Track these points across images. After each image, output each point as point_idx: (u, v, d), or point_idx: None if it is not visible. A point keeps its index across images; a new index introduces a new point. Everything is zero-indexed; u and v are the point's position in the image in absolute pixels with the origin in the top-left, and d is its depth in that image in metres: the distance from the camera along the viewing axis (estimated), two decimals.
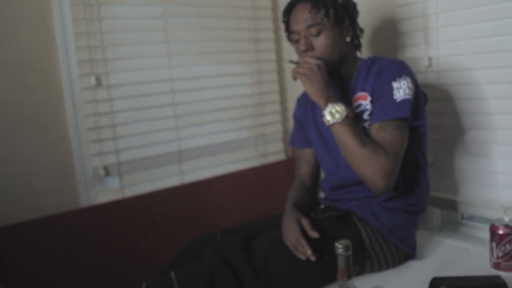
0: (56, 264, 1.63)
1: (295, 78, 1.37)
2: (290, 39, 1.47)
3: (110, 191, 1.81)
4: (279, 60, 2.26)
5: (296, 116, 1.69)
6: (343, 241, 0.92)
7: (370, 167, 1.24)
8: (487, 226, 1.53)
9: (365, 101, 1.39)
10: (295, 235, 1.26)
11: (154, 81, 1.87)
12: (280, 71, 2.27)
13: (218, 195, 2.00)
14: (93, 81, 1.72)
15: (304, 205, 1.49)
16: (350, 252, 0.91)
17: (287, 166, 2.23)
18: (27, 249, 1.60)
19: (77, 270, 1.67)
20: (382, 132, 1.28)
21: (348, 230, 1.34)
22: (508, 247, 1.26)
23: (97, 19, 1.73)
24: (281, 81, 2.28)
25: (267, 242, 1.29)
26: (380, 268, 1.38)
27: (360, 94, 1.40)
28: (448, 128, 1.66)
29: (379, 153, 1.24)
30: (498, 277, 1.14)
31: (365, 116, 1.38)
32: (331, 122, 1.29)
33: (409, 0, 1.67)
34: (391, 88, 1.30)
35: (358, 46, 1.48)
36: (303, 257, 1.25)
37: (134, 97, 1.82)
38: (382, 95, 1.32)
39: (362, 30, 1.50)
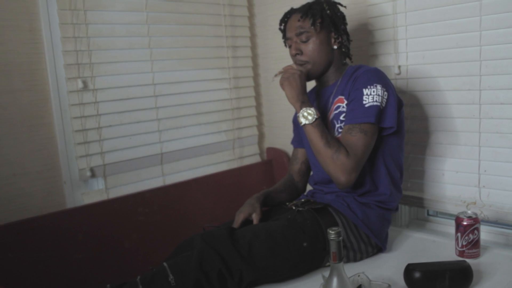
0: (43, 263, 1.65)
1: (281, 84, 1.52)
2: (285, 45, 1.64)
3: (95, 192, 1.85)
4: (254, 67, 2.37)
5: (294, 120, 1.81)
6: (334, 228, 1.02)
7: (332, 164, 1.41)
8: (451, 221, 1.69)
9: (342, 104, 1.53)
10: (236, 226, 1.50)
11: (137, 85, 1.94)
12: (255, 77, 2.38)
13: (199, 195, 2.07)
14: (80, 84, 1.77)
15: (277, 194, 1.68)
16: (341, 238, 1.01)
17: (262, 168, 2.33)
18: (15, 249, 1.62)
19: (65, 269, 1.70)
20: (348, 134, 1.43)
21: (326, 220, 1.46)
22: (471, 236, 1.40)
23: (84, 24, 1.78)
24: (256, 87, 2.38)
25: (250, 231, 1.39)
26: (355, 259, 1.49)
27: (340, 97, 1.54)
28: (415, 131, 1.80)
29: (340, 153, 1.40)
30: (464, 261, 1.28)
31: (341, 117, 1.51)
32: (303, 123, 1.46)
33: (381, 13, 1.81)
34: (362, 94, 1.44)
35: (346, 54, 1.62)
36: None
37: (119, 100, 1.88)
38: (353, 99, 1.47)
39: (349, 40, 1.64)
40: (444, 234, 1.72)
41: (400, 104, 1.53)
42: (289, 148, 2.29)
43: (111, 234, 1.82)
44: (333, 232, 1.00)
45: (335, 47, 1.57)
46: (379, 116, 1.44)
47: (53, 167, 1.78)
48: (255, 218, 1.51)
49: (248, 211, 1.53)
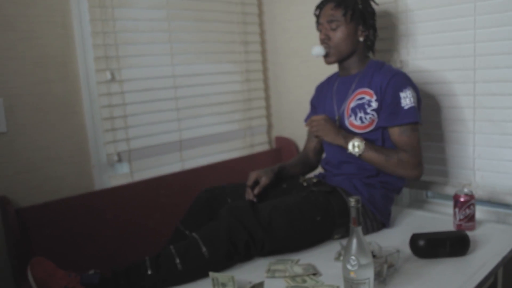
0: (75, 240, 1.80)
1: (317, 136, 1.72)
2: (317, 29, 1.78)
3: (121, 176, 2.00)
4: (264, 61, 2.53)
5: (312, 101, 1.96)
6: (354, 197, 1.17)
7: (400, 169, 1.60)
8: (448, 202, 1.85)
9: (369, 97, 1.67)
10: (248, 184, 1.70)
11: (159, 77, 2.09)
12: (265, 71, 2.54)
13: (213, 180, 2.21)
14: (108, 75, 1.91)
15: (292, 168, 1.86)
16: (360, 205, 1.17)
17: (271, 156, 2.49)
18: (50, 226, 1.76)
19: (94, 245, 1.84)
20: (402, 136, 1.61)
21: (335, 199, 1.63)
22: (467, 211, 1.57)
23: (112, 20, 1.92)
24: (265, 80, 2.55)
25: (270, 205, 1.55)
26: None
27: (364, 89, 1.69)
28: None
29: (401, 156, 1.59)
30: (462, 231, 1.47)
31: (369, 110, 1.66)
32: (357, 154, 1.60)
33: (384, 12, 1.98)
34: (399, 98, 1.62)
35: (370, 48, 1.78)
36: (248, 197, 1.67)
37: (142, 91, 2.03)
38: (391, 103, 1.63)
39: (375, 35, 1.79)
40: (442, 213, 1.88)
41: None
42: (296, 137, 2.45)
43: (136, 214, 1.96)
44: (353, 200, 1.16)
45: (361, 39, 1.72)
46: (418, 116, 1.63)
47: (83, 152, 1.93)
48: (263, 180, 1.69)
49: (260, 174, 1.72)
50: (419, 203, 2.08)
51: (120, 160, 1.98)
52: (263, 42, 2.52)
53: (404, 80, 1.65)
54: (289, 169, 1.84)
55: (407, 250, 1.44)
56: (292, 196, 1.63)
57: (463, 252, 1.40)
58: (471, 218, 1.57)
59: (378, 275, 1.24)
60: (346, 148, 1.62)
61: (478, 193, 1.77)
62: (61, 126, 1.86)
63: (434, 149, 1.94)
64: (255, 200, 1.66)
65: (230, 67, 2.36)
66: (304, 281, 1.29)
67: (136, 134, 2.02)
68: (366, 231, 1.66)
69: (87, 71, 1.90)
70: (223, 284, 1.25)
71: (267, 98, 2.56)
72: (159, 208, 2.03)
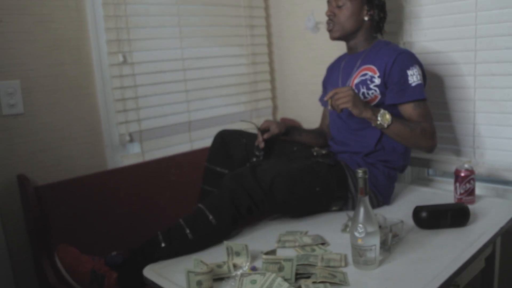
0: (89, 216, 1.86)
1: (341, 110, 1.60)
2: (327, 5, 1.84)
3: (133, 155, 2.07)
4: (269, 44, 2.59)
5: (323, 82, 2.04)
6: (362, 168, 1.24)
7: (423, 138, 1.64)
8: (449, 180, 1.93)
9: (372, 73, 1.72)
10: (260, 127, 1.86)
11: (168, 60, 2.15)
12: (270, 54, 2.60)
13: None
14: (120, 58, 1.97)
15: (304, 134, 1.97)
16: (367, 176, 1.23)
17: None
18: (65, 203, 1.82)
19: (107, 222, 1.90)
20: (416, 110, 1.66)
21: (337, 173, 1.69)
22: (468, 185, 1.64)
23: (123, 4, 1.97)
24: (271, 63, 2.60)
25: (273, 170, 1.60)
26: None
27: (369, 66, 1.74)
28: None
29: (423, 126, 1.63)
30: (463, 203, 1.54)
31: (371, 85, 1.72)
32: (385, 126, 1.60)
33: None
34: (407, 76, 1.67)
35: (377, 28, 1.83)
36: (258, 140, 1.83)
37: (153, 74, 2.09)
38: (398, 80, 1.67)
39: (382, 16, 1.83)
40: (443, 189, 1.94)
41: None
42: (300, 119, 2.52)
43: (147, 192, 2.03)
44: (360, 171, 1.23)
45: (366, 18, 1.78)
46: (424, 92, 1.68)
47: (96, 132, 1.99)
48: (273, 129, 1.83)
49: (272, 122, 1.86)
50: (421, 181, 2.16)
51: (131, 140, 2.05)
52: (268, 26, 2.57)
53: (410, 58, 1.70)
54: (301, 132, 1.94)
55: (410, 222, 1.51)
56: (297, 162, 1.70)
57: (463, 223, 1.47)
58: (471, 192, 1.64)
59: (383, 244, 1.31)
60: (373, 121, 1.60)
61: (478, 170, 1.83)
62: (75, 107, 1.92)
63: (435, 128, 2.00)
64: (262, 145, 1.82)
65: (237, 50, 2.42)
66: (313, 250, 1.37)
67: (147, 115, 2.09)
68: None
69: (100, 53, 1.95)
70: (237, 253, 1.32)
71: (272, 81, 2.62)
72: (169, 187, 2.10)
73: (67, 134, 1.91)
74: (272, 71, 2.62)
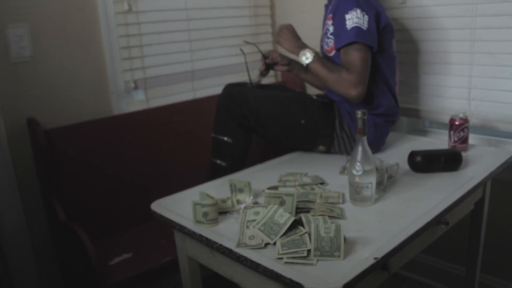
0: (96, 161, 1.94)
1: (278, 42, 1.78)
2: None
3: (138, 102, 2.13)
4: None
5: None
6: (361, 110, 1.29)
7: (338, 84, 1.61)
8: (444, 131, 1.99)
9: (330, 22, 1.72)
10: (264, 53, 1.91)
11: (173, 9, 2.17)
12: (272, 6, 2.61)
13: None
14: (125, 6, 2.00)
15: (313, 76, 1.88)
16: (365, 117, 1.28)
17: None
18: (75, 146, 1.89)
19: (114, 166, 1.99)
20: (345, 56, 1.61)
21: (326, 112, 1.74)
22: (461, 134, 1.71)
23: None
24: (272, 15, 2.62)
25: (264, 94, 1.71)
26: (346, 151, 1.75)
27: (329, 15, 1.73)
28: (415, 52, 2.08)
29: (341, 72, 1.60)
30: (456, 149, 1.62)
31: (328, 34, 1.72)
32: (306, 63, 1.66)
33: None
34: (344, 19, 1.61)
35: None
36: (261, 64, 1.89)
37: (157, 23, 2.12)
38: (337, 24, 1.64)
39: None
40: (438, 139, 2.00)
41: (390, 30, 1.71)
42: None
43: (152, 138, 2.10)
44: (359, 112, 1.28)
45: None
46: (363, 36, 1.58)
47: (102, 79, 2.04)
48: (275, 55, 1.86)
49: (276, 52, 1.89)
50: (417, 131, 2.23)
51: (136, 87, 2.10)
52: None
53: (351, 2, 1.62)
54: (308, 71, 1.85)
55: (406, 166, 1.59)
56: (290, 93, 1.78)
57: (456, 167, 1.55)
58: (464, 140, 1.71)
59: (379, 184, 1.39)
60: (298, 57, 1.67)
61: (472, 121, 1.89)
62: (81, 53, 1.96)
63: (431, 80, 2.06)
64: (263, 67, 1.88)
65: (239, 2, 2.43)
66: (313, 189, 1.45)
67: (152, 63, 2.13)
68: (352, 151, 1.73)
69: (105, 1, 1.98)
70: (240, 190, 1.40)
71: (273, 34, 2.65)
72: (173, 134, 2.16)
73: (74, 80, 1.96)
74: (273, 24, 2.64)
